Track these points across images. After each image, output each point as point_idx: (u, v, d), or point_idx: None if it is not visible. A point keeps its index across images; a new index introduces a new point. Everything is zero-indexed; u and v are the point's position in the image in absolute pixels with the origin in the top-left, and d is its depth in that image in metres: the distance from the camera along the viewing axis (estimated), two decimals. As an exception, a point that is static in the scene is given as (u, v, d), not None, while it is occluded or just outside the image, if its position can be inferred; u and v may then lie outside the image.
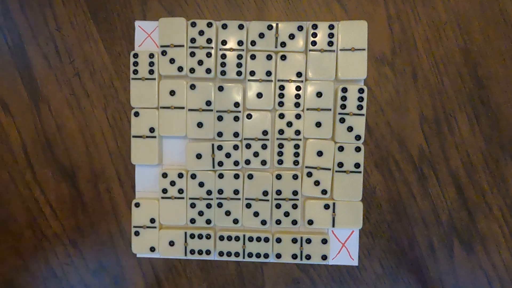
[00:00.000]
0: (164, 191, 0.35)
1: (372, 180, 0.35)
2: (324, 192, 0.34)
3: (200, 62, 0.34)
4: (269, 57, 0.33)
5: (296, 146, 0.34)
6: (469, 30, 0.34)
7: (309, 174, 0.34)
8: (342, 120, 0.33)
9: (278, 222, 0.34)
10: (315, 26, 0.33)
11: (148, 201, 0.35)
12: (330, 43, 0.33)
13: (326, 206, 0.34)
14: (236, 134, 0.34)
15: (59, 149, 0.36)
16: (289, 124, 0.34)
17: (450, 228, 0.35)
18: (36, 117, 0.36)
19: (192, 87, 0.34)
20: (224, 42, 0.34)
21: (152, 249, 0.35)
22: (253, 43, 0.33)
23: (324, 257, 0.34)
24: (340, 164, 0.34)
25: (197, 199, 0.35)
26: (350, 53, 0.33)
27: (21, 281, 0.37)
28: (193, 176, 0.34)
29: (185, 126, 0.34)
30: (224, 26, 0.33)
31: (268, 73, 0.34)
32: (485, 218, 0.35)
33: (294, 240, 0.34)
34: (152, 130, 0.34)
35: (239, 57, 0.34)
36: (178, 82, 0.34)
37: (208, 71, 0.34)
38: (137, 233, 0.35)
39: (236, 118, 0.34)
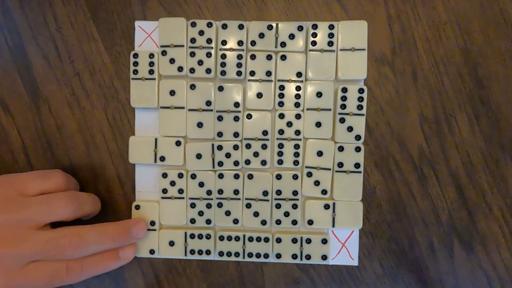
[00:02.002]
0: (164, 191, 0.35)
1: (372, 180, 0.35)
2: (324, 192, 0.34)
3: (200, 62, 0.34)
4: (269, 57, 0.33)
5: (296, 146, 0.34)
6: (469, 30, 0.34)
7: (309, 174, 0.34)
8: (342, 120, 0.34)
9: (278, 222, 0.34)
10: (315, 26, 0.33)
11: (148, 203, 0.35)
12: (330, 43, 0.33)
13: (326, 206, 0.34)
14: (236, 134, 0.34)
15: (59, 149, 0.36)
16: (289, 124, 0.34)
17: (450, 228, 0.35)
18: (36, 117, 0.36)
19: (192, 87, 0.34)
20: (224, 42, 0.34)
21: (152, 252, 0.35)
22: (253, 43, 0.33)
23: (324, 257, 0.34)
24: (340, 164, 0.34)
25: (197, 199, 0.35)
26: (350, 53, 0.33)
27: (21, 281, 0.37)
28: (193, 176, 0.34)
29: (185, 126, 0.34)
30: (224, 26, 0.33)
31: (268, 73, 0.34)
32: (485, 218, 0.35)
33: (294, 240, 0.34)
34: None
35: (239, 57, 0.34)
36: (178, 82, 0.34)
37: (208, 71, 0.34)
38: None
39: (236, 118, 0.34)
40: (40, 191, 0.30)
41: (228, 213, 0.35)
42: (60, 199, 0.30)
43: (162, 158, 0.34)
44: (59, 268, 0.29)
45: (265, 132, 0.34)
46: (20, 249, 0.27)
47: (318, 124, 0.34)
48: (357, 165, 0.34)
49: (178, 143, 0.34)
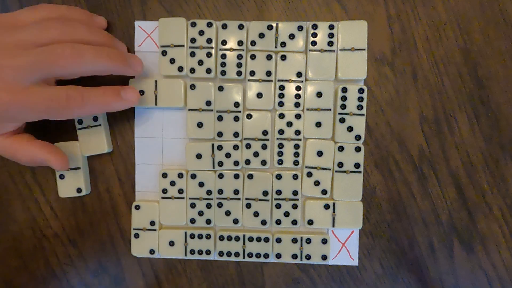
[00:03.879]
0: (164, 191, 0.35)
1: (372, 180, 0.35)
2: (324, 192, 0.34)
3: (200, 62, 0.34)
4: (269, 57, 0.33)
5: (296, 146, 0.34)
6: (469, 30, 0.34)
7: (309, 174, 0.34)
8: (342, 120, 0.34)
9: (278, 222, 0.34)
10: (315, 26, 0.33)
11: (148, 203, 0.35)
12: (330, 43, 0.33)
13: (326, 206, 0.34)
14: (236, 134, 0.34)
15: (59, 149, 0.36)
16: (289, 124, 0.34)
17: (450, 228, 0.35)
18: (36, 117, 0.36)
19: (192, 87, 0.34)
20: (224, 42, 0.34)
21: (152, 252, 0.35)
22: (253, 43, 0.33)
23: (324, 257, 0.34)
24: (340, 164, 0.34)
25: (197, 199, 0.35)
26: (350, 53, 0.33)
27: (21, 281, 0.37)
28: (193, 176, 0.34)
29: (185, 126, 0.34)
30: (224, 26, 0.33)
31: (268, 73, 0.34)
32: (485, 218, 0.35)
33: (294, 240, 0.34)
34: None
35: (239, 57, 0.34)
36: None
37: (208, 71, 0.34)
38: (136, 236, 0.35)
39: (236, 118, 0.34)
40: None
41: (228, 213, 0.35)
42: (52, 22, 0.29)
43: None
44: (59, 94, 0.28)
45: (265, 132, 0.34)
46: (16, 60, 0.27)
47: (318, 124, 0.34)
48: (357, 165, 0.34)
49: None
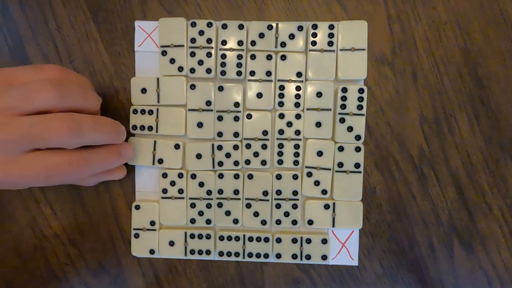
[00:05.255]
0: (164, 191, 0.35)
1: (372, 180, 0.35)
2: (324, 192, 0.34)
3: (200, 62, 0.34)
4: (269, 57, 0.33)
5: (296, 146, 0.34)
6: (469, 30, 0.34)
7: (309, 174, 0.34)
8: (342, 120, 0.34)
9: (278, 222, 0.34)
10: (315, 26, 0.33)
11: (148, 203, 0.35)
12: (330, 43, 0.33)
13: (326, 206, 0.34)
14: (236, 134, 0.34)
15: (59, 149, 0.36)
16: (289, 124, 0.34)
17: (450, 228, 0.35)
18: (36, 117, 0.36)
19: (192, 87, 0.34)
20: (224, 42, 0.34)
21: (152, 252, 0.35)
22: (253, 43, 0.33)
23: (324, 257, 0.34)
24: (340, 164, 0.34)
25: (197, 199, 0.35)
26: (350, 53, 0.33)
27: (21, 281, 0.37)
28: (193, 176, 0.34)
29: (185, 126, 0.34)
30: (224, 26, 0.33)
31: (268, 73, 0.34)
32: (485, 218, 0.35)
33: (294, 240, 0.34)
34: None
35: (239, 57, 0.34)
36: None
37: (208, 71, 0.34)
38: (136, 236, 0.35)
39: (236, 118, 0.34)
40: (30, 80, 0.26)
41: (228, 213, 0.35)
42: (43, 83, 0.25)
43: (160, 161, 0.34)
44: (60, 161, 0.26)
45: (265, 132, 0.34)
46: (2, 135, 0.24)
47: (318, 124, 0.34)
48: (357, 165, 0.34)
49: (177, 146, 0.34)
